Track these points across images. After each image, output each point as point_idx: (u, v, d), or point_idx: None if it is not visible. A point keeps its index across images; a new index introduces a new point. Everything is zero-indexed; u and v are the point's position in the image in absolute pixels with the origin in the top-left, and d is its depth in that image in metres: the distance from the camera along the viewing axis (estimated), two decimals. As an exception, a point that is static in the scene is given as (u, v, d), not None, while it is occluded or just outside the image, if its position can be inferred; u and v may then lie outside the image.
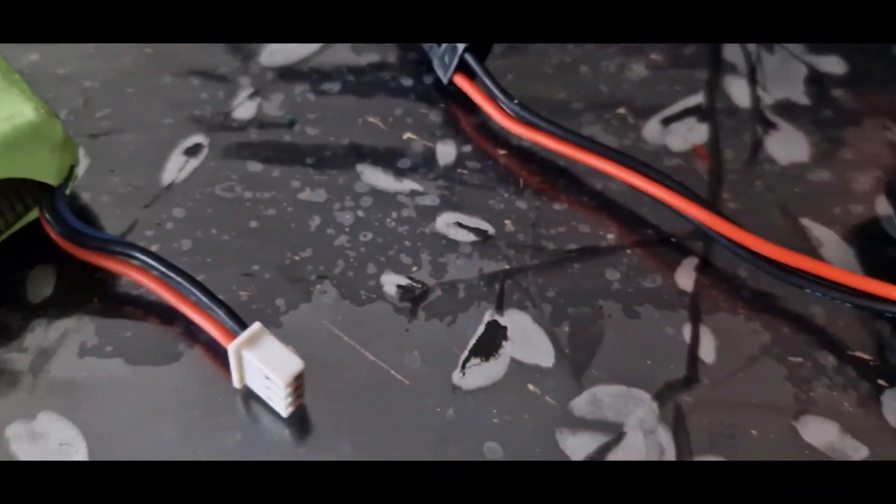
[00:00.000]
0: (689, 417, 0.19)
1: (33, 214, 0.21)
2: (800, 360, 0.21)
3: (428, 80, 0.25)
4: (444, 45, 0.23)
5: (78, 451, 0.18)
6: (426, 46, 0.24)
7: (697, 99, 0.25)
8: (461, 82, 0.24)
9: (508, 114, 0.23)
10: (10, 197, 0.20)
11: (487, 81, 0.23)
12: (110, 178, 0.23)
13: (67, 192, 0.20)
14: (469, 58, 0.23)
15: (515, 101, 0.23)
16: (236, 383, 0.19)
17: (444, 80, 0.24)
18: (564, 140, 0.22)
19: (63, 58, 0.25)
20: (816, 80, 0.26)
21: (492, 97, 0.23)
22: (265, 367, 0.18)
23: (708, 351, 0.20)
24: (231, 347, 0.18)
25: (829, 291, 0.20)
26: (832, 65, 0.27)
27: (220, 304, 0.19)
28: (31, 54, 0.25)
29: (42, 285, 0.21)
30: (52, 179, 0.20)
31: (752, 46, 0.27)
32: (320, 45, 0.26)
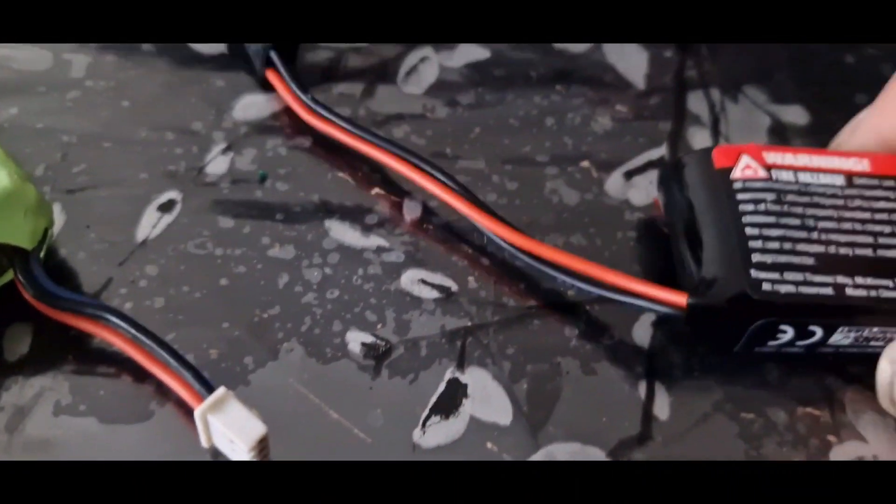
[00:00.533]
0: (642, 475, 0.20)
1: (8, 276, 0.21)
2: (752, 416, 0.21)
3: (398, 133, 0.26)
4: (257, 45, 0.26)
5: (50, 511, 0.19)
6: (247, 46, 0.26)
7: (660, 151, 0.26)
8: (272, 77, 0.26)
9: (308, 107, 0.25)
10: (-15, 260, 0.21)
11: (286, 76, 0.25)
12: (86, 234, 0.23)
13: (42, 254, 0.21)
14: (274, 55, 0.26)
15: (309, 95, 0.25)
16: (204, 443, 0.19)
17: (259, 75, 0.26)
18: (355, 135, 0.24)
19: (41, 111, 0.26)
20: (779, 131, 0.27)
21: (293, 91, 0.25)
22: (229, 431, 0.18)
23: (662, 408, 0.21)
24: (197, 412, 0.18)
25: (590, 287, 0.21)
26: (795, 115, 0.27)
27: (188, 366, 0.19)
28: (11, 108, 0.25)
29: (19, 343, 0.21)
30: (25, 243, 0.20)
31: (716, 97, 0.28)
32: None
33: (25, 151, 0.25)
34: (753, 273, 0.20)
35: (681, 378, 0.22)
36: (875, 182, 0.21)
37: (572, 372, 0.22)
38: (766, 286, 0.20)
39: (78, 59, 0.27)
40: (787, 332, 0.20)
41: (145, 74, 0.27)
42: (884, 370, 0.20)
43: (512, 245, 0.22)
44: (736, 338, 0.21)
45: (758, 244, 0.20)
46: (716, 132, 0.27)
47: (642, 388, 0.21)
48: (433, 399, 0.21)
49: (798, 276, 0.20)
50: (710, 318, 0.20)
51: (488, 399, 0.21)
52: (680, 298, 0.20)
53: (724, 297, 0.20)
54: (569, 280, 0.21)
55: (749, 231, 0.20)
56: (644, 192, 0.25)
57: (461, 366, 0.21)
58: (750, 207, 0.21)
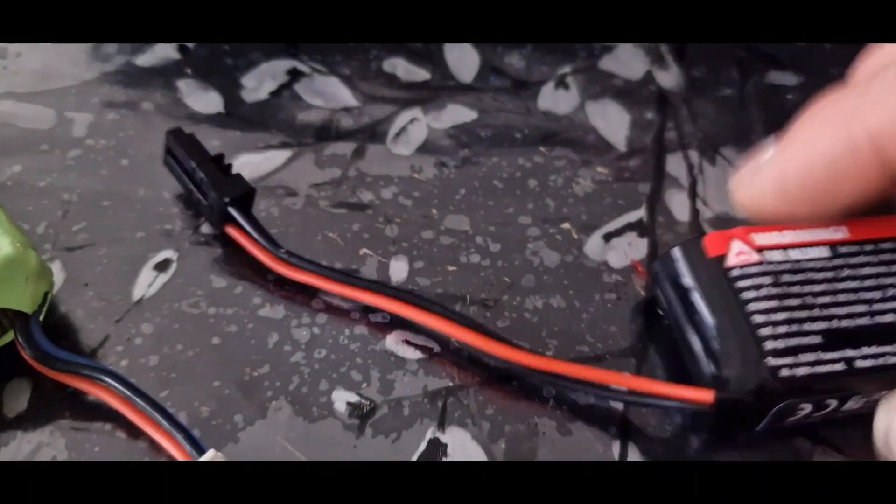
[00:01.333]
0: (613, 534, 0.21)
1: (9, 337, 0.22)
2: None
3: (386, 194, 0.27)
4: (210, 199, 0.24)
5: (44, 566, 0.20)
6: (195, 199, 0.25)
7: (639, 213, 0.27)
8: (232, 232, 0.25)
9: (279, 259, 0.24)
10: (-13, 321, 0.22)
11: (254, 233, 0.24)
12: (85, 292, 0.24)
13: (41, 318, 0.22)
14: (234, 211, 0.24)
15: (283, 249, 0.24)
16: None
17: (216, 231, 0.25)
18: (333, 279, 0.23)
19: (44, 169, 0.27)
20: (753, 193, 0.28)
21: (263, 247, 0.24)
22: (217, 494, 0.19)
23: (634, 468, 0.22)
24: (186, 475, 0.19)
25: (618, 396, 0.22)
26: (768, 177, 0.28)
27: (180, 428, 0.20)
28: (14, 166, 0.27)
29: (17, 399, 0.22)
30: (26, 307, 0.21)
31: (694, 159, 0.29)
32: (286, 158, 0.28)
33: (28, 209, 0.26)
34: (770, 361, 0.20)
35: (654, 438, 0.23)
36: (856, 248, 0.22)
37: (548, 433, 0.22)
38: (784, 372, 0.20)
39: (80, 117, 0.28)
40: (806, 408, 0.21)
41: (144, 133, 0.28)
42: (881, 419, 0.20)
43: (524, 366, 0.22)
44: (758, 419, 0.21)
45: (767, 331, 0.21)
46: (693, 194, 0.28)
47: (616, 448, 0.22)
48: (414, 458, 0.22)
49: (811, 357, 0.20)
50: (736, 408, 0.21)
51: (467, 458, 0.22)
52: (707, 395, 0.21)
53: (748, 389, 0.20)
54: (597, 391, 0.22)
55: (756, 319, 0.21)
56: (622, 253, 0.26)
57: (442, 425, 0.22)
58: (752, 294, 0.21)
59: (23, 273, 0.21)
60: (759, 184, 0.21)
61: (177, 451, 0.20)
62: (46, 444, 0.22)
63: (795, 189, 0.20)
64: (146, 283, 0.24)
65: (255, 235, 0.24)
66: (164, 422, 0.20)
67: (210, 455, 0.20)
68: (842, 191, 0.20)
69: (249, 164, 0.27)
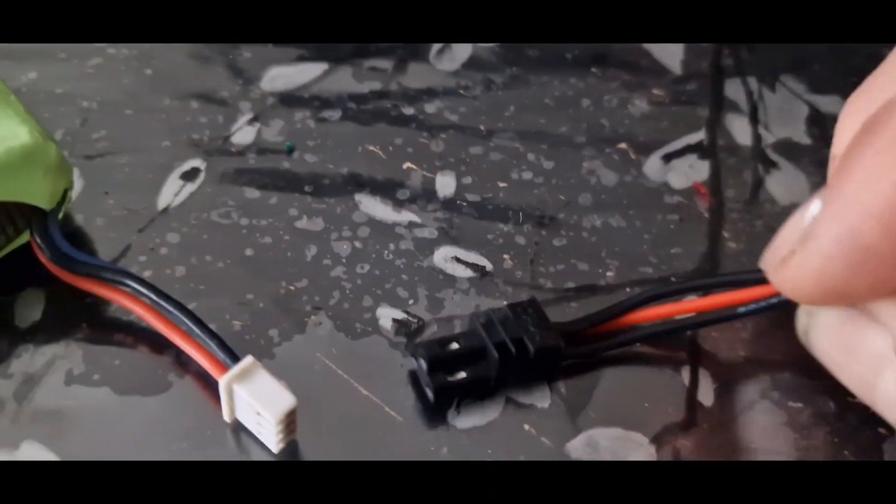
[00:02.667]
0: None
1: (24, 238, 0.20)
2: (800, 405, 0.20)
3: (430, 108, 0.25)
4: None
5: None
6: None
7: (699, 136, 0.25)
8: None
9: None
10: (1, 219, 0.20)
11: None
12: (105, 200, 0.22)
13: (60, 216, 0.20)
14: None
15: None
16: (226, 417, 0.18)
17: None
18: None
19: (61, 76, 0.25)
20: (818, 121, 0.26)
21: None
22: (256, 402, 0.17)
23: (706, 394, 0.20)
24: (222, 381, 0.17)
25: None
26: (833, 105, 0.27)
27: (212, 335, 0.18)
28: (29, 72, 0.25)
29: (30, 309, 0.20)
30: (44, 203, 0.19)
31: (753, 85, 0.27)
32: (322, 70, 0.26)
33: (44, 116, 0.23)
34: None
35: (726, 365, 0.21)
36: None
37: (612, 355, 0.21)
38: None
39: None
40: None
41: (169, 43, 0.26)
42: (801, 320, 0.19)
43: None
44: None
45: None
46: (754, 119, 0.26)
47: (686, 373, 0.20)
48: (468, 378, 0.20)
49: None
50: None
51: (525, 380, 0.20)
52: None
53: None
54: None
55: None
56: (683, 175, 0.24)
57: (497, 345, 0.20)
58: None
59: (41, 165, 0.19)
60: (810, 263, 0.15)
61: (208, 361, 0.18)
62: (62, 356, 0.20)
63: (868, 258, 0.14)
64: (172, 192, 0.22)
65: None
66: (195, 329, 0.18)
67: (247, 362, 0.18)
68: None
69: (284, 75, 0.25)
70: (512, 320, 0.20)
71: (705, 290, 0.21)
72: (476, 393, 0.19)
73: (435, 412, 0.19)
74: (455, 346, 0.19)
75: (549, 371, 0.20)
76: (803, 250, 0.15)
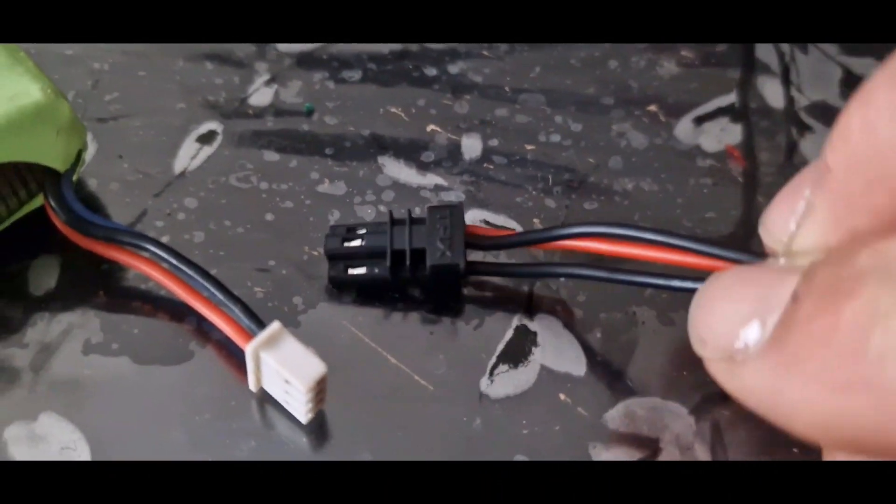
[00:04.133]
0: (727, 433, 0.18)
1: (38, 201, 0.19)
2: (841, 373, 0.20)
3: (453, 69, 0.24)
4: None
5: (80, 456, 0.17)
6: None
7: (730, 98, 0.24)
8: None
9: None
10: (12, 182, 0.19)
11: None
12: (119, 164, 0.21)
13: (74, 178, 0.19)
14: None
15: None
16: (252, 386, 0.18)
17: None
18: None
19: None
20: (852, 83, 0.25)
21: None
22: (285, 370, 0.16)
23: (745, 362, 0.19)
24: (248, 348, 0.17)
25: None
26: (867, 67, 0.26)
27: (237, 301, 0.18)
28: (36, 32, 0.24)
29: (45, 277, 0.19)
30: (57, 164, 0.19)
31: (785, 46, 0.26)
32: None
33: (53, 78, 0.22)
34: None
35: (764, 332, 0.20)
36: None
37: (648, 322, 0.20)
38: None
39: (108, -16, 0.25)
40: None
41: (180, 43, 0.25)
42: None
43: None
44: None
45: None
46: (787, 81, 0.25)
47: (724, 341, 0.20)
48: (500, 346, 0.19)
49: None
50: None
51: (560, 348, 0.19)
52: None
53: None
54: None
55: None
56: (715, 138, 0.23)
57: (529, 312, 0.20)
58: None
59: (54, 124, 0.18)
60: (742, 384, 0.13)
61: (232, 328, 0.17)
62: (78, 325, 0.19)
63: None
64: (188, 155, 0.22)
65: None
66: (218, 294, 0.18)
67: (274, 328, 0.17)
68: None
69: (299, 34, 0.24)
70: (425, 226, 0.19)
71: (670, 246, 0.17)
72: (377, 289, 0.19)
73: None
74: (357, 242, 0.19)
75: (449, 287, 0.20)
76: (760, 367, 0.12)
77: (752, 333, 0.12)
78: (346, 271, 0.19)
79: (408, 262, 0.19)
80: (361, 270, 0.19)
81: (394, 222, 0.19)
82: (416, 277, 0.19)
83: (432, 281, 0.19)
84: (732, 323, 0.12)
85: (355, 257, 0.19)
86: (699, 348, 0.14)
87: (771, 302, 0.12)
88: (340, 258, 0.19)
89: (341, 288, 0.20)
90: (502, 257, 0.20)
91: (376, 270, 0.19)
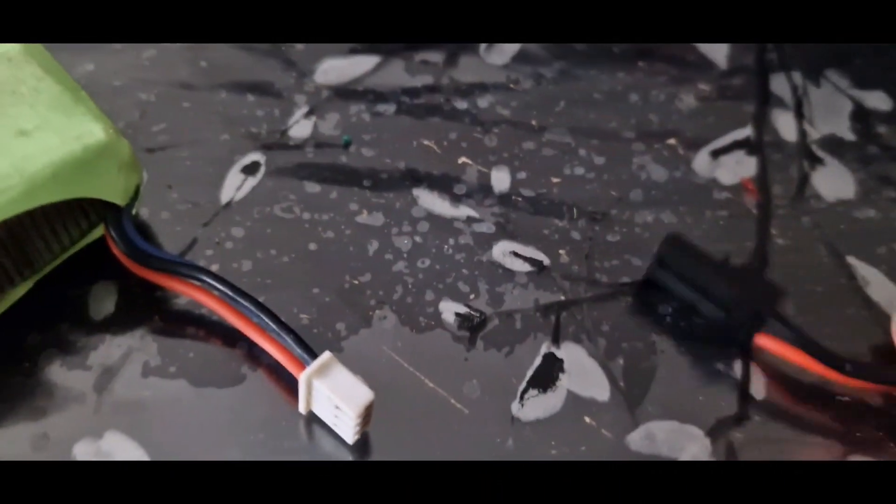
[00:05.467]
0: (741, 454, 0.20)
1: (98, 232, 0.21)
2: (847, 399, 0.21)
3: (482, 103, 0.25)
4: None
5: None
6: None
7: (746, 132, 0.26)
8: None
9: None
10: (76, 215, 0.20)
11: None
12: (168, 193, 0.23)
13: (134, 211, 0.20)
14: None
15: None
16: (302, 409, 0.19)
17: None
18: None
19: (118, 69, 0.25)
20: (862, 116, 0.27)
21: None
22: (336, 397, 0.18)
23: (758, 388, 0.21)
24: (302, 376, 0.18)
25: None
26: (877, 100, 0.27)
27: (289, 331, 0.19)
28: (87, 64, 0.25)
29: (104, 302, 0.21)
30: (118, 199, 0.20)
31: (798, 80, 0.27)
32: (374, 63, 0.26)
33: (103, 108, 0.24)
34: None
35: (776, 358, 0.21)
36: None
37: (667, 351, 0.21)
38: None
39: (153, 16, 0.26)
40: None
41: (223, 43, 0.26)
42: None
43: None
44: None
45: None
46: (799, 115, 0.27)
47: (738, 367, 0.21)
48: (530, 372, 0.20)
49: None
50: None
51: (585, 374, 0.21)
52: None
53: None
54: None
55: None
56: (731, 171, 0.25)
57: (556, 340, 0.21)
58: None
59: (116, 162, 0.19)
60: None
61: (286, 357, 0.19)
62: (137, 348, 0.20)
63: None
64: (234, 185, 0.23)
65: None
66: (271, 324, 0.19)
67: (325, 358, 0.18)
68: None
69: (336, 68, 0.26)
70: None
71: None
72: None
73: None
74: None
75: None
76: None
77: None
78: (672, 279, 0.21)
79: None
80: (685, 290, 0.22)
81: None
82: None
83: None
84: None
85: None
86: None
87: None
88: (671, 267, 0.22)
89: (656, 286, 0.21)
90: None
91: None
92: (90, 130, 0.19)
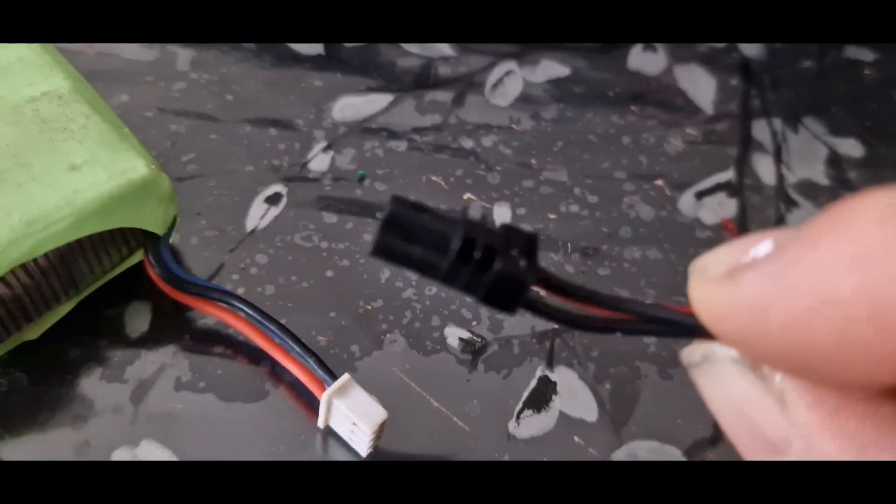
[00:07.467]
0: (714, 473, 0.22)
1: (136, 257, 0.23)
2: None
3: (486, 142, 0.27)
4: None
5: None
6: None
7: (728, 175, 0.28)
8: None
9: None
10: (118, 242, 0.22)
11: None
12: (197, 220, 0.25)
13: (171, 240, 0.22)
14: None
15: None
16: (321, 424, 0.21)
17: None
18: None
19: (150, 100, 0.27)
20: (836, 162, 0.29)
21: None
22: (353, 415, 0.20)
23: (731, 413, 0.23)
24: (324, 396, 0.20)
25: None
26: (850, 147, 0.29)
27: (312, 353, 0.21)
28: (122, 95, 0.27)
29: (138, 321, 0.23)
30: (157, 229, 0.22)
31: (778, 126, 0.30)
32: (388, 102, 0.28)
33: (138, 137, 0.26)
34: None
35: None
36: None
37: (650, 376, 0.23)
38: None
39: (182, 52, 0.28)
40: None
41: (246, 70, 0.28)
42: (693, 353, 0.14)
43: None
44: None
45: None
46: (778, 160, 0.29)
47: (714, 394, 0.23)
48: (525, 394, 0.23)
49: None
50: None
51: (575, 397, 0.23)
52: None
53: None
54: None
55: None
56: (713, 212, 0.27)
57: (550, 365, 0.23)
58: None
59: (156, 195, 0.21)
60: (735, 297, 0.12)
61: (308, 377, 0.21)
62: (170, 364, 0.22)
63: (788, 331, 0.11)
64: (258, 214, 0.25)
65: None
66: (295, 347, 0.21)
67: (344, 379, 0.20)
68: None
69: (353, 104, 0.28)
70: (500, 236, 0.15)
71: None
72: (421, 272, 0.15)
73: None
74: (426, 217, 0.14)
75: (505, 303, 0.17)
76: (724, 284, 0.12)
77: (762, 248, 0.11)
78: (401, 241, 0.17)
79: (476, 256, 0.16)
80: (416, 249, 0.17)
81: (467, 218, 0.16)
82: (475, 278, 0.17)
83: (492, 287, 0.18)
84: (745, 244, 0.12)
85: (414, 232, 0.17)
86: (697, 277, 0.12)
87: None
88: (398, 227, 0.16)
89: (385, 257, 0.16)
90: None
91: (435, 255, 0.17)
92: (134, 166, 0.21)
